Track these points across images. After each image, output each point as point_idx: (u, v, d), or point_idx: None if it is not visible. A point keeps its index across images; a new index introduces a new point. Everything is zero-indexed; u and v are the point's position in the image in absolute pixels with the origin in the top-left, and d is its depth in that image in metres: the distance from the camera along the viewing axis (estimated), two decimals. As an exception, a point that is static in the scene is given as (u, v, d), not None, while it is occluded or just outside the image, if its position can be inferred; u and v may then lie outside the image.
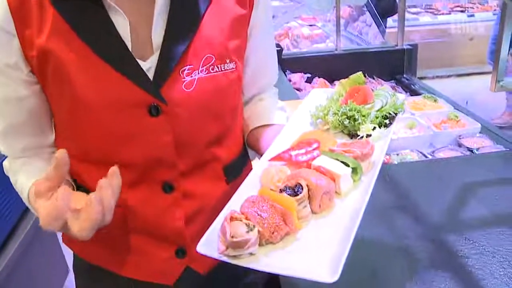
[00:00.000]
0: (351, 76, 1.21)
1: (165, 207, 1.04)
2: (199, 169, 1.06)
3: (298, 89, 3.11)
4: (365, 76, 3.17)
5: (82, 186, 1.04)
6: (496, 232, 1.30)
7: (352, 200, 0.90)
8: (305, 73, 3.24)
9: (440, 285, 1.12)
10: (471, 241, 1.27)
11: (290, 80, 3.19)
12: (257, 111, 1.21)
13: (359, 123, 1.06)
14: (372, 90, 1.17)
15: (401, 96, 1.15)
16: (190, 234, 1.07)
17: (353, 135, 1.08)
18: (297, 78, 3.20)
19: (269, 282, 1.32)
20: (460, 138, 2.11)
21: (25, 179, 1.02)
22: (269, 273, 0.77)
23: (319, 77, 3.21)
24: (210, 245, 0.81)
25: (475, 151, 1.98)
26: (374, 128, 1.06)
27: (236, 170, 1.13)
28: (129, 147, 0.97)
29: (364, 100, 1.13)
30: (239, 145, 1.17)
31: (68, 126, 1.00)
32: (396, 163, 1.95)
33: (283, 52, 3.37)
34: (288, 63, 3.30)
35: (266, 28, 1.15)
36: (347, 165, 0.94)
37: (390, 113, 1.09)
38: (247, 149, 1.23)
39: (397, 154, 2.03)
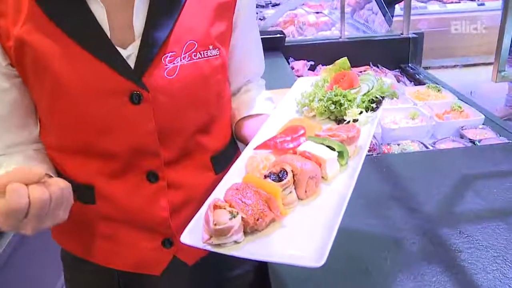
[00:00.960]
0: (337, 62, 1.20)
1: (150, 197, 1.02)
2: (185, 159, 1.05)
3: (300, 77, 3.08)
4: (369, 65, 3.18)
5: (63, 175, 1.02)
6: (492, 226, 1.27)
7: (339, 185, 0.89)
8: (308, 61, 3.21)
9: (431, 279, 1.10)
10: (465, 235, 1.25)
11: (293, 68, 3.16)
12: (244, 101, 1.21)
13: (345, 108, 1.05)
14: (358, 75, 1.15)
15: (388, 80, 1.13)
16: (177, 225, 1.06)
17: (339, 120, 1.07)
18: (300, 65, 3.16)
19: (258, 274, 1.30)
20: (462, 129, 2.08)
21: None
22: (254, 261, 0.75)
23: (322, 65, 3.17)
24: (194, 235, 0.80)
25: (477, 142, 1.95)
26: (361, 112, 1.04)
27: (225, 161, 1.11)
28: (111, 136, 0.95)
29: (350, 85, 1.11)
30: (227, 135, 1.16)
31: (49, 117, 0.98)
32: (396, 153, 1.92)
33: (287, 39, 3.34)
34: (291, 51, 3.27)
35: (251, 17, 1.14)
36: (333, 149, 0.92)
37: (377, 97, 1.07)
38: (236, 140, 1.22)
39: (398, 144, 2.00)
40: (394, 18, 3.49)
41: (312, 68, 3.19)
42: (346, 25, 3.34)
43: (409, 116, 2.21)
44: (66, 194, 0.83)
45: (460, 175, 1.57)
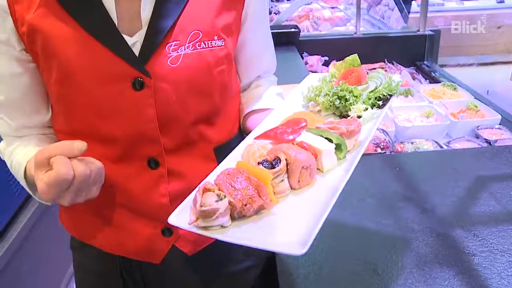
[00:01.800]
0: (346, 58, 1.18)
1: (150, 183, 1.04)
2: (187, 148, 1.05)
3: (314, 72, 3.05)
4: (384, 61, 3.14)
5: None
6: (507, 230, 1.24)
7: (334, 177, 0.88)
8: (322, 56, 3.19)
9: (443, 282, 1.07)
10: (480, 238, 1.22)
11: (306, 63, 3.13)
12: (253, 96, 1.21)
13: (350, 104, 1.04)
14: (367, 72, 1.13)
15: (397, 77, 1.11)
16: None
17: (344, 117, 1.05)
18: (314, 61, 3.14)
19: (263, 271, 1.29)
20: (478, 129, 2.04)
21: (21, 156, 1.03)
22: (236, 245, 0.75)
23: (336, 61, 3.13)
24: (182, 217, 0.80)
25: (492, 143, 1.91)
26: (366, 109, 1.03)
27: (229, 153, 1.10)
28: (113, 121, 0.98)
29: (357, 81, 1.10)
30: (233, 128, 1.16)
31: (58, 101, 1.01)
32: (409, 151, 1.89)
33: (301, 34, 3.31)
34: (305, 46, 3.25)
35: (261, 12, 1.15)
36: (331, 141, 0.91)
37: (384, 94, 1.06)
38: (243, 134, 1.21)
39: (412, 143, 1.97)
40: (411, 15, 3.44)
41: (326, 64, 3.16)
42: (361, 21, 3.30)
43: (423, 114, 2.18)
44: (101, 172, 0.91)
45: (475, 176, 1.53)
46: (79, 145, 0.84)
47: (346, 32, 3.58)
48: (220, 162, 1.08)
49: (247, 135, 1.13)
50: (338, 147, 0.91)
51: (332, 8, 4.63)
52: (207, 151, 1.08)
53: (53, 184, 0.81)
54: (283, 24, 3.57)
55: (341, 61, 1.19)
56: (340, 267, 1.08)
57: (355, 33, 3.25)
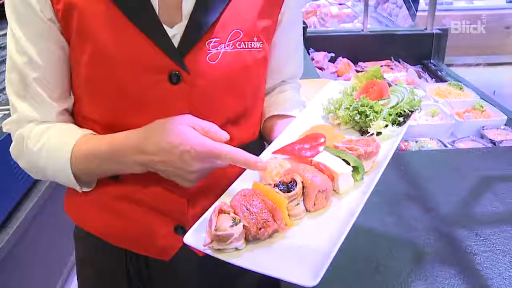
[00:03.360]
0: (369, 69, 1.17)
1: (171, 181, 1.01)
2: None
3: (320, 68, 3.06)
4: (391, 59, 3.14)
5: None
6: (510, 230, 1.24)
7: (351, 200, 0.87)
8: (329, 53, 3.18)
9: (444, 281, 1.08)
10: (482, 238, 1.22)
11: (313, 59, 3.13)
12: (276, 101, 1.20)
13: (370, 120, 1.03)
14: (390, 85, 1.12)
15: (421, 92, 1.10)
16: (193, 213, 1.04)
17: (363, 132, 1.04)
18: (320, 57, 3.14)
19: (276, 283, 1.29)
20: (483, 129, 2.04)
21: (63, 136, 0.98)
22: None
23: (343, 57, 3.14)
24: (197, 236, 0.81)
25: (497, 143, 1.91)
26: (387, 125, 1.02)
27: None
28: (142, 113, 0.95)
29: (379, 96, 1.08)
30: (255, 131, 1.15)
31: (83, 85, 0.98)
32: (413, 150, 1.89)
33: (308, 30, 3.31)
34: (312, 41, 3.24)
35: (296, 17, 1.14)
36: (349, 163, 0.90)
37: (405, 111, 1.04)
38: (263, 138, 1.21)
39: (416, 141, 1.97)
40: (419, 13, 3.43)
41: (333, 60, 3.15)
42: (369, 18, 3.30)
43: (428, 113, 2.18)
44: None
45: (479, 176, 1.53)
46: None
47: (353, 29, 3.58)
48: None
49: (266, 140, 1.13)
50: (355, 169, 0.90)
51: (340, 4, 4.61)
52: None
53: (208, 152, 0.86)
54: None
55: (363, 72, 1.18)
56: (343, 264, 1.08)
57: (362, 30, 3.24)
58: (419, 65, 3.12)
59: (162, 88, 0.93)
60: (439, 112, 2.16)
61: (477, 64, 3.29)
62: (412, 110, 1.05)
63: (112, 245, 1.12)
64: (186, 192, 1.03)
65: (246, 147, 1.09)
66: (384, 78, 1.16)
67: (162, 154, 0.88)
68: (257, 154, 1.02)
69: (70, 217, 1.18)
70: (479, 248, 1.18)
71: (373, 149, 0.93)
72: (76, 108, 1.04)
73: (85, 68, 0.94)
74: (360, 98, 1.06)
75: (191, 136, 0.87)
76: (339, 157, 0.92)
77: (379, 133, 1.00)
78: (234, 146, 1.07)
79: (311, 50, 3.23)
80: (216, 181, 1.04)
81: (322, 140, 0.98)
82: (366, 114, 1.03)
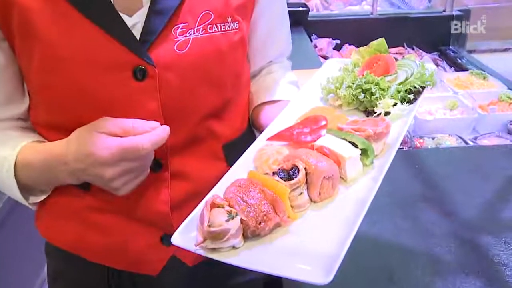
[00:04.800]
0: (372, 43, 1.15)
1: (151, 186, 1.01)
2: (193, 146, 1.04)
3: (324, 57, 3.05)
4: (403, 46, 3.14)
5: None
6: (544, 238, 1.24)
7: (359, 188, 0.86)
8: (333, 39, 3.19)
9: (468, 295, 1.08)
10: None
11: (316, 46, 3.13)
12: (264, 85, 1.20)
13: (376, 98, 1.02)
14: (396, 59, 1.11)
15: (431, 66, 1.09)
16: (178, 220, 1.02)
17: (369, 112, 1.03)
18: (324, 44, 3.14)
19: (269, 282, 1.30)
20: (511, 124, 2.04)
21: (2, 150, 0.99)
22: (253, 271, 0.74)
23: (349, 45, 3.15)
24: (187, 235, 0.79)
25: (527, 139, 1.92)
26: (395, 104, 1.01)
27: (238, 151, 1.09)
28: (109, 115, 0.93)
29: (385, 71, 1.07)
30: (243, 122, 1.15)
31: (38, 91, 0.97)
32: (430, 148, 1.89)
33: (310, 13, 3.31)
34: (315, 27, 3.24)
35: None
36: (356, 146, 0.89)
37: (415, 87, 1.03)
38: (253, 129, 1.21)
39: (433, 138, 1.97)
40: (435, -8, 3.44)
41: (338, 48, 3.16)
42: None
43: (447, 106, 2.19)
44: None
45: (505, 176, 1.54)
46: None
47: (360, 12, 3.58)
48: (229, 161, 1.07)
49: (258, 130, 1.12)
50: (364, 153, 0.89)
51: (346, -16, 4.62)
52: (216, 149, 1.07)
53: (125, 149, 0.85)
54: (289, 2, 3.57)
55: (365, 46, 1.16)
56: (352, 274, 1.07)
57: (371, 13, 3.25)
58: (436, 52, 3.13)
59: (127, 86, 0.92)
60: (459, 105, 2.17)
61: (504, 50, 3.27)
62: (424, 85, 1.04)
63: (89, 261, 1.11)
64: (168, 198, 1.03)
65: (237, 141, 1.10)
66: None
67: (80, 164, 0.88)
68: (248, 145, 1.02)
69: (40, 232, 1.17)
70: (508, 257, 1.18)
71: (383, 129, 0.91)
72: (33, 116, 1.03)
73: (37, 74, 0.93)
74: (363, 75, 1.05)
75: (97, 143, 0.86)
76: (345, 140, 0.91)
77: (387, 113, 0.99)
78: (222, 143, 1.07)
79: (314, 36, 3.23)
80: (202, 182, 1.03)
81: (324, 122, 0.97)
82: (372, 92, 1.02)
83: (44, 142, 1.01)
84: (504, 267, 1.15)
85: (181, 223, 0.85)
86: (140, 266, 1.10)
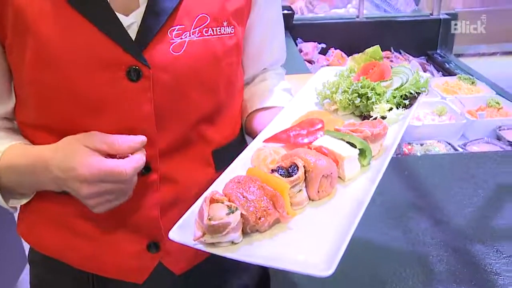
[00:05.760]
0: (367, 50, 1.18)
1: (140, 190, 1.01)
2: (183, 150, 1.04)
3: (309, 61, 3.06)
4: (390, 50, 3.16)
5: None
6: (536, 246, 1.26)
7: (358, 188, 0.88)
8: (319, 43, 3.20)
9: (461, 305, 1.09)
10: (504, 255, 1.23)
11: (301, 51, 3.14)
12: (258, 92, 1.21)
13: (372, 103, 1.04)
14: (392, 67, 1.13)
15: (425, 74, 1.12)
16: (166, 226, 1.03)
17: (365, 117, 1.05)
18: (310, 48, 3.15)
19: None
20: (500, 130, 2.06)
21: None
22: (251, 264, 0.76)
23: (335, 49, 3.16)
24: (185, 231, 0.79)
25: (516, 146, 1.93)
26: (391, 109, 1.03)
27: (228, 157, 1.09)
28: (100, 116, 0.95)
29: (381, 77, 1.10)
30: (235, 129, 1.16)
31: (28, 88, 0.97)
32: (419, 154, 1.91)
33: (295, 16, 3.32)
34: (300, 30, 3.26)
35: None
36: (354, 146, 0.91)
37: (411, 93, 1.06)
38: (245, 136, 1.22)
39: (421, 145, 1.98)
40: (423, -5, 3.46)
41: (324, 52, 3.17)
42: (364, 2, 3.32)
43: (435, 111, 2.20)
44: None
45: (496, 183, 1.55)
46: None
47: (346, 15, 3.59)
48: (217, 167, 1.09)
49: (252, 137, 1.12)
50: (361, 153, 0.91)
51: (330, -14, 4.65)
52: (205, 154, 1.08)
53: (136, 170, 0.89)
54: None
55: (360, 54, 1.19)
56: (343, 284, 1.07)
57: (358, 16, 3.27)
58: (424, 56, 3.16)
59: (121, 86, 0.92)
60: (448, 111, 2.18)
61: (492, 54, 3.30)
62: (419, 92, 1.07)
63: (74, 269, 1.11)
64: (157, 203, 1.03)
65: (227, 147, 1.10)
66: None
67: (61, 174, 0.89)
68: (239, 151, 1.03)
69: (23, 240, 1.17)
70: (502, 267, 1.19)
71: (380, 130, 0.94)
72: (21, 115, 1.03)
73: (29, 70, 0.93)
74: (359, 80, 1.07)
75: (81, 158, 0.87)
76: (343, 140, 0.93)
77: (383, 118, 1.01)
78: (212, 149, 1.08)
79: (299, 40, 3.25)
80: (190, 187, 1.05)
81: (320, 125, 0.99)
82: (368, 96, 1.04)
83: (29, 144, 1.01)
84: (497, 276, 1.16)
85: (169, 228, 0.85)
86: (125, 274, 1.10)
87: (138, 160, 0.89)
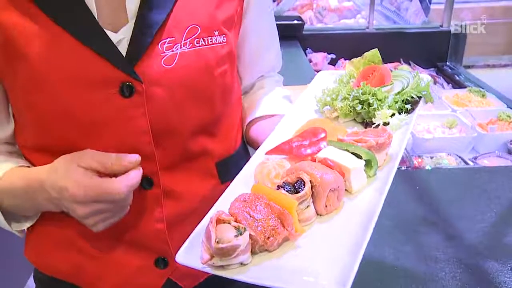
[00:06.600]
0: (365, 54, 1.17)
1: (144, 206, 1.01)
2: (186, 163, 1.04)
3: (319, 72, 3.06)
4: (400, 61, 3.16)
5: None
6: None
7: (366, 200, 0.87)
8: (329, 54, 3.20)
9: (475, 324, 1.08)
10: (519, 273, 1.22)
11: (310, 61, 3.15)
12: (256, 100, 1.20)
13: (374, 109, 1.03)
14: (391, 70, 1.12)
15: (426, 77, 1.11)
16: (173, 241, 1.04)
17: (367, 123, 1.04)
18: (319, 58, 3.16)
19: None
20: (511, 144, 2.05)
21: None
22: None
23: (345, 59, 3.16)
24: (192, 253, 0.78)
25: (528, 160, 1.92)
26: (393, 114, 1.02)
27: (233, 168, 1.09)
28: (97, 135, 0.94)
29: (381, 82, 1.09)
30: (236, 138, 1.15)
31: (24, 112, 0.97)
32: (429, 168, 1.90)
33: (305, 27, 3.32)
34: (309, 41, 3.27)
35: (265, 3, 1.14)
36: (360, 157, 0.90)
37: (412, 97, 1.05)
38: (248, 145, 1.21)
39: (431, 158, 1.98)
40: (433, 6, 3.44)
41: (333, 62, 3.18)
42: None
43: (445, 124, 2.20)
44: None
45: (509, 199, 1.54)
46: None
47: (356, 26, 3.60)
48: (222, 179, 1.08)
49: (252, 146, 1.12)
50: (367, 163, 0.90)
51: (339, -4, 4.65)
52: (208, 166, 1.08)
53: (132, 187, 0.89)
54: (283, 15, 3.58)
55: (359, 58, 1.18)
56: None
57: (367, 27, 3.28)
58: (433, 68, 3.16)
59: (114, 103, 0.92)
60: (458, 123, 2.18)
61: (503, 65, 3.29)
62: (420, 95, 1.06)
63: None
64: (162, 217, 1.03)
65: (230, 158, 1.10)
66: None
67: (56, 194, 0.90)
68: (242, 161, 1.02)
69: (31, 261, 1.16)
70: (516, 285, 1.19)
71: (385, 139, 0.92)
72: (20, 138, 1.04)
73: (23, 94, 0.93)
74: (359, 86, 1.06)
75: (74, 178, 0.88)
76: (348, 151, 0.92)
77: (386, 124, 1.01)
78: (215, 161, 1.08)
79: (308, 50, 3.26)
80: (196, 200, 1.05)
81: (323, 135, 0.97)
82: (369, 103, 1.03)
83: (29, 167, 1.01)
84: (510, 295, 1.16)
85: (178, 242, 0.85)
86: None
87: (132, 178, 0.89)
